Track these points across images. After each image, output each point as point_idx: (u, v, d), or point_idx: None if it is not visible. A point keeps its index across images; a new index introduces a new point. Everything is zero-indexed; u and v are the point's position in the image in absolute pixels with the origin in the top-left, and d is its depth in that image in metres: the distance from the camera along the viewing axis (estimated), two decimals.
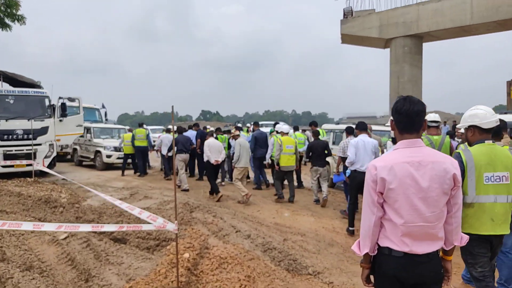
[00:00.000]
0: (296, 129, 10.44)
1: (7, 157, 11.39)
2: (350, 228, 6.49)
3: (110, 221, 6.51)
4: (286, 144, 8.67)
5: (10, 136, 11.54)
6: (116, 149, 14.23)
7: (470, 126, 3.28)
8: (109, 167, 14.46)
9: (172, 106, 3.32)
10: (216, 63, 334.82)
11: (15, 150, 11.60)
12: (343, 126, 9.86)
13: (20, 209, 7.32)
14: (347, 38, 20.15)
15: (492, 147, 3.19)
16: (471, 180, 3.12)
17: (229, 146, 11.06)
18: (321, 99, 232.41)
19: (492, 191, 3.11)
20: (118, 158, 14.08)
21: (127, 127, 16.44)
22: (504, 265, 3.79)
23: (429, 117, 5.34)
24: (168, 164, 12.20)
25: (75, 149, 16.34)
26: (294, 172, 9.54)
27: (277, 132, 8.47)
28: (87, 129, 15.24)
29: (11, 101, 11.89)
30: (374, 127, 9.54)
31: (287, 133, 9.10)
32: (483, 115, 3.22)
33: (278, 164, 8.66)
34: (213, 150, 9.11)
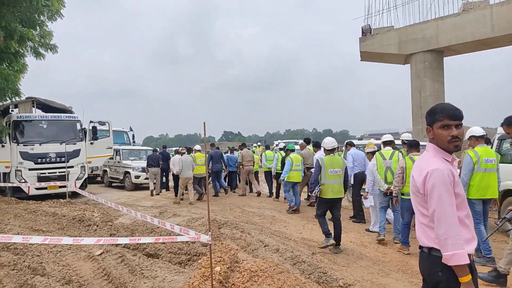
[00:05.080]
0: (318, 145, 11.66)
1: (41, 179, 11.87)
2: None
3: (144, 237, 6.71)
4: (199, 158, 11.97)
5: (44, 159, 12.06)
6: (144, 170, 14.55)
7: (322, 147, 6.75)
8: (137, 187, 14.82)
9: (204, 123, 3.50)
10: (237, 84, 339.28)
11: (48, 173, 12.09)
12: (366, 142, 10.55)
13: (55, 228, 7.62)
14: (366, 55, 20.28)
15: (332, 156, 6.38)
16: (323, 172, 6.22)
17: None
18: (342, 117, 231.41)
19: (333, 178, 6.22)
20: (146, 178, 14.42)
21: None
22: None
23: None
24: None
25: (105, 171, 16.84)
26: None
27: (290, 151, 10.55)
28: (116, 151, 15.73)
29: (44, 126, 12.48)
30: (397, 142, 9.70)
31: (199, 150, 12.40)
32: (327, 142, 6.51)
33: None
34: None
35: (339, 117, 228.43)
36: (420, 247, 2.31)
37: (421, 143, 9.89)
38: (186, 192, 11.98)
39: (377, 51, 19.38)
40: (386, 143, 7.41)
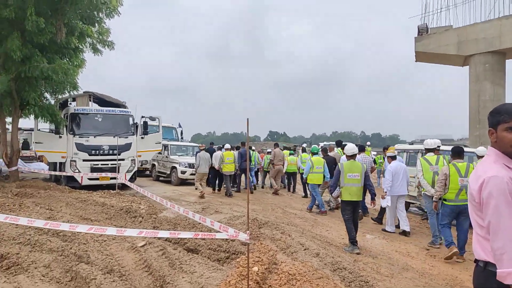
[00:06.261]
0: (362, 149, 11.08)
1: (93, 170, 12.42)
2: None
3: (185, 231, 6.79)
4: (227, 157, 12.50)
5: (97, 151, 12.60)
6: (190, 165, 14.79)
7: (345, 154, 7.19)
8: (183, 182, 15.10)
9: (248, 119, 3.45)
10: (286, 83, 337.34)
11: (101, 164, 12.62)
12: (418, 146, 10.02)
13: (103, 218, 7.92)
14: (422, 56, 19.40)
15: (352, 161, 6.82)
16: (342, 176, 6.66)
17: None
18: (393, 120, 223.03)
19: (351, 181, 6.62)
20: (192, 174, 14.67)
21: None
22: (460, 239, 6.19)
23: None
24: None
25: (153, 165, 17.35)
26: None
27: (313, 153, 11.04)
28: (165, 146, 16.15)
29: (99, 119, 13.05)
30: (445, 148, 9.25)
31: (228, 149, 13.02)
32: (348, 148, 7.00)
33: (221, 170, 12.54)
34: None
35: (390, 121, 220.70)
36: (476, 260, 2.11)
37: (469, 149, 9.40)
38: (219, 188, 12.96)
39: (434, 51, 18.47)
40: (429, 150, 7.57)
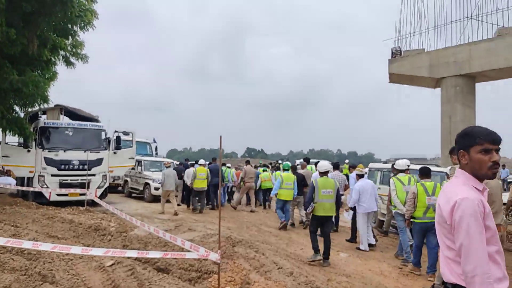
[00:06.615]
0: (336, 167, 11.12)
1: (62, 185, 12.00)
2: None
3: (155, 250, 6.59)
4: (199, 172, 12.40)
5: (67, 166, 12.21)
6: None
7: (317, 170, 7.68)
8: (156, 199, 14.77)
9: (220, 136, 3.39)
10: (264, 102, 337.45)
11: (71, 180, 12.22)
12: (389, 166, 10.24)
13: (71, 236, 7.62)
14: (395, 77, 19.89)
15: (326, 178, 7.11)
16: (317, 192, 6.82)
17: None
18: (368, 139, 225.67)
19: (325, 197, 6.82)
20: None
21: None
22: (429, 257, 6.18)
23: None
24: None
25: (126, 181, 16.89)
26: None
27: (284, 170, 11.30)
28: (138, 162, 15.76)
29: (70, 133, 12.70)
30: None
31: (202, 165, 12.92)
32: (321, 165, 7.41)
33: (192, 187, 12.36)
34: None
35: (365, 140, 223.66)
36: (443, 282, 2.09)
37: (440, 169, 9.57)
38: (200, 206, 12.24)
39: (407, 73, 18.98)
40: (400, 170, 7.86)
